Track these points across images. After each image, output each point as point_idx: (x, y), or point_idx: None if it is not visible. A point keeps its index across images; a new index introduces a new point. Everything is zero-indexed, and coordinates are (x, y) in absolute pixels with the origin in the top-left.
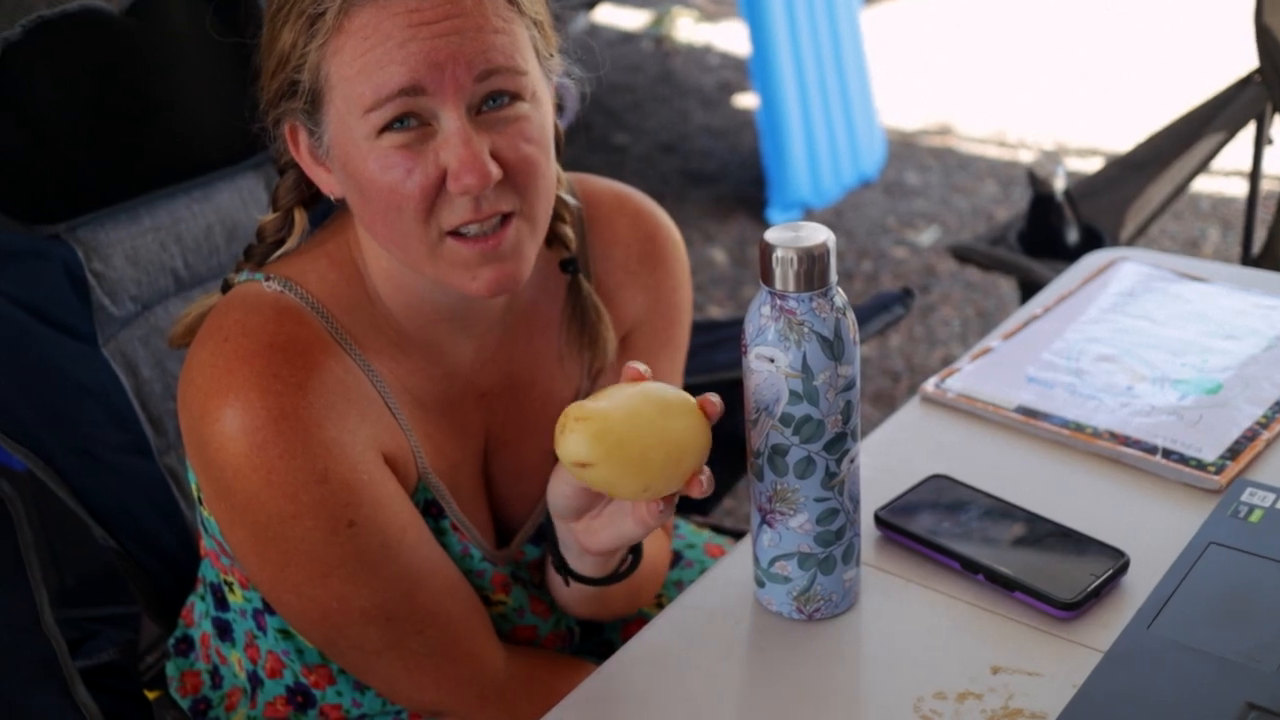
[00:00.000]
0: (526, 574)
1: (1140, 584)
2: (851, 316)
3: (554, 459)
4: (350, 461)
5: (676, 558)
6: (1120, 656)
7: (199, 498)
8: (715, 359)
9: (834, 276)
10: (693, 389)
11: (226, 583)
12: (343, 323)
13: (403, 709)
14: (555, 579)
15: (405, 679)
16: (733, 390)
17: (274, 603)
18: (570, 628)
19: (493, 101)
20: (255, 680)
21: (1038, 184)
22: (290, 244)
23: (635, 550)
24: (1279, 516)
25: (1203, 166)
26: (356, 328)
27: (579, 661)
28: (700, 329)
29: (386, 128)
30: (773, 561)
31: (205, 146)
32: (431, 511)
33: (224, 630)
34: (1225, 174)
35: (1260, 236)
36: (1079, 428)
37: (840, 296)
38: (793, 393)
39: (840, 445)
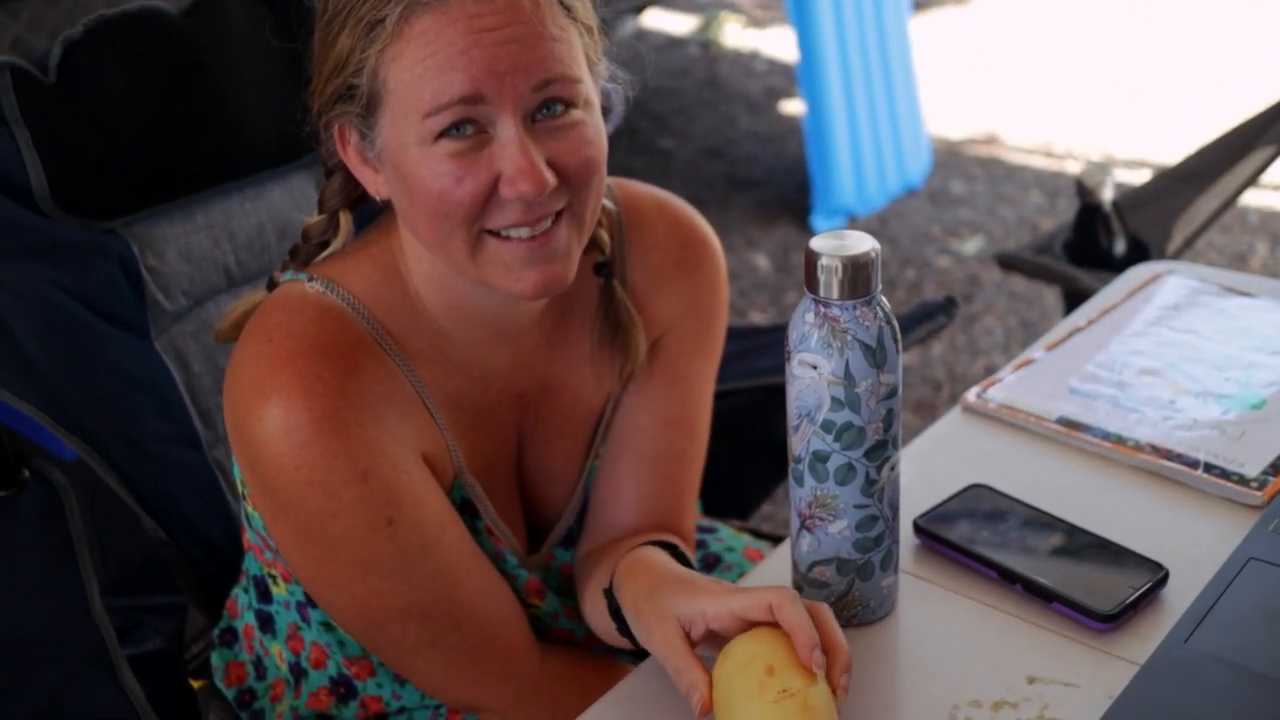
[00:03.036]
0: (558, 579)
1: (1179, 598)
2: (894, 325)
3: (582, 463)
4: (390, 461)
5: (715, 561)
6: (1157, 669)
7: (244, 493)
8: (758, 364)
9: (878, 285)
10: (734, 394)
11: (270, 576)
12: (384, 324)
13: (441, 704)
14: (593, 606)
15: (443, 675)
16: (773, 395)
17: (315, 597)
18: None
19: (547, 110)
20: (298, 671)
21: (1085, 194)
22: (335, 245)
23: None
24: None
25: (1252, 180)
26: (398, 329)
27: (615, 660)
28: (742, 335)
29: (444, 134)
30: (811, 567)
31: (257, 146)
32: (467, 511)
33: (266, 622)
34: (1275, 188)
35: None
36: (1120, 440)
37: (884, 304)
38: (835, 400)
39: (881, 452)
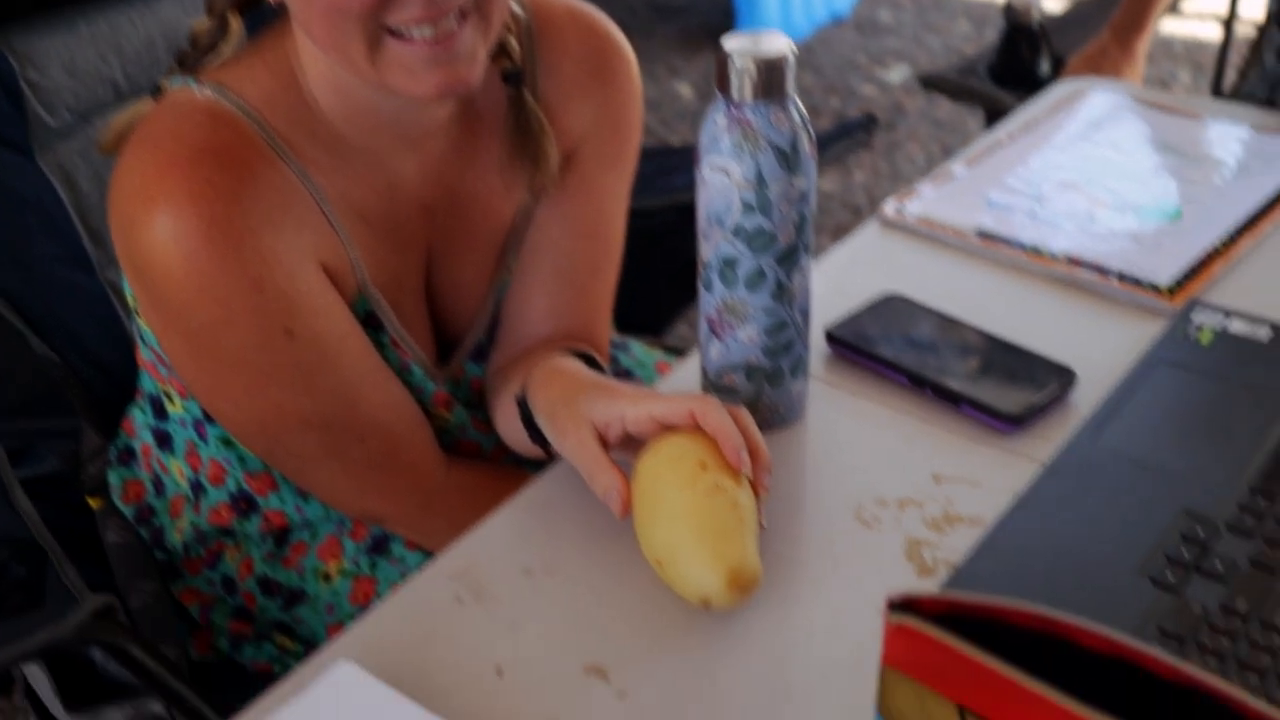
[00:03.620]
0: (467, 392)
1: (1088, 402)
2: (809, 130)
3: (493, 277)
4: (286, 270)
5: (626, 376)
6: (1062, 467)
7: (134, 308)
8: (673, 183)
9: (792, 87)
10: (649, 213)
11: (165, 393)
12: (279, 130)
13: (346, 517)
14: (504, 414)
15: (346, 487)
16: (688, 214)
17: (212, 411)
18: None
19: None
20: (197, 488)
21: (1015, 15)
22: (225, 51)
23: None
24: (1228, 338)
25: (1174, 3)
26: (294, 136)
27: (523, 472)
28: (658, 154)
29: None
30: (720, 373)
31: None
32: (371, 325)
33: (164, 440)
34: (1199, 17)
35: (1230, 79)
36: (1037, 251)
37: (798, 110)
38: (745, 204)
39: (792, 258)
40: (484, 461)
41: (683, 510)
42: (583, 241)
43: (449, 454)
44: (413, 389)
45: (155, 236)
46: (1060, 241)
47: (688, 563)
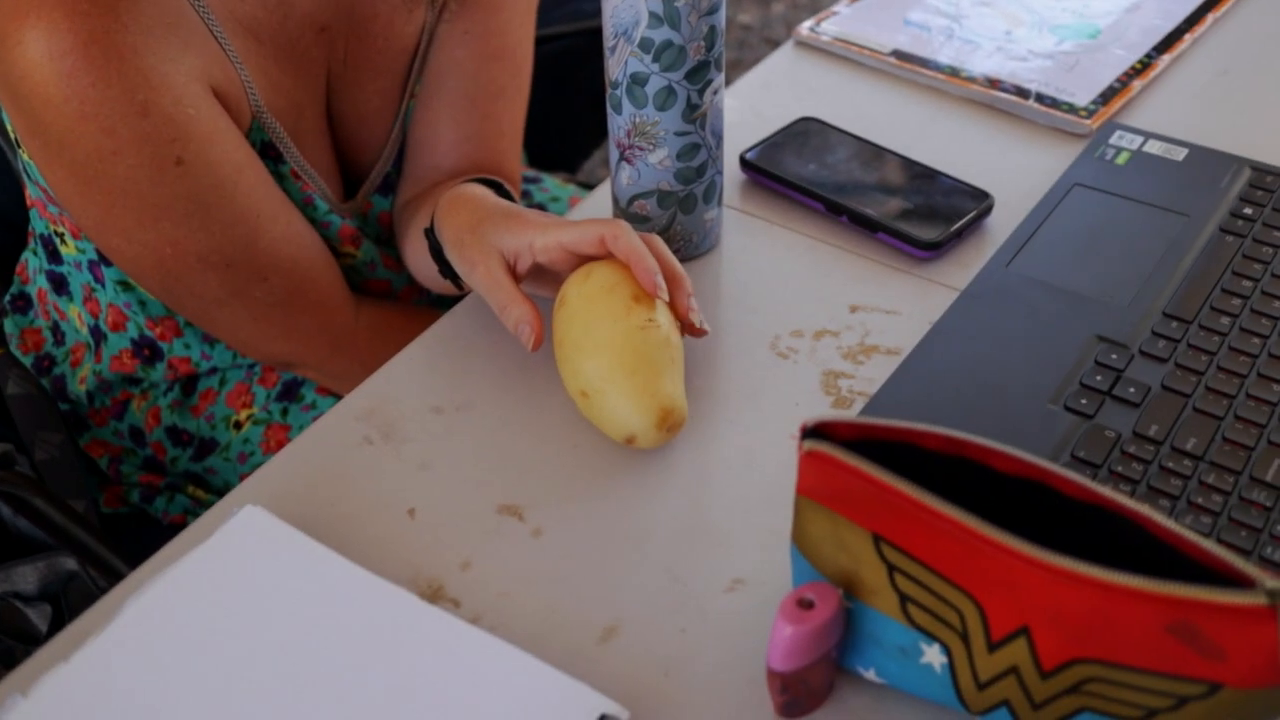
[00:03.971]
0: (375, 227)
1: (1004, 226)
2: None
3: (398, 104)
4: (174, 94)
5: (540, 210)
6: (977, 294)
7: (15, 139)
8: (583, 8)
9: None
10: (558, 38)
11: (57, 234)
12: None
13: (255, 362)
14: (413, 248)
15: (251, 329)
16: (600, 40)
17: (104, 249)
18: None
19: None
20: (98, 334)
21: None
22: None
23: None
24: (1145, 158)
25: None
26: None
27: (436, 312)
28: None
29: None
30: (631, 200)
31: None
32: (269, 155)
33: (59, 285)
34: None
35: None
36: (954, 72)
37: None
38: (653, 15)
39: (703, 75)
40: (395, 301)
41: (616, 342)
42: (488, 64)
43: (359, 294)
44: (317, 224)
45: (29, 56)
46: (978, 62)
47: (618, 397)
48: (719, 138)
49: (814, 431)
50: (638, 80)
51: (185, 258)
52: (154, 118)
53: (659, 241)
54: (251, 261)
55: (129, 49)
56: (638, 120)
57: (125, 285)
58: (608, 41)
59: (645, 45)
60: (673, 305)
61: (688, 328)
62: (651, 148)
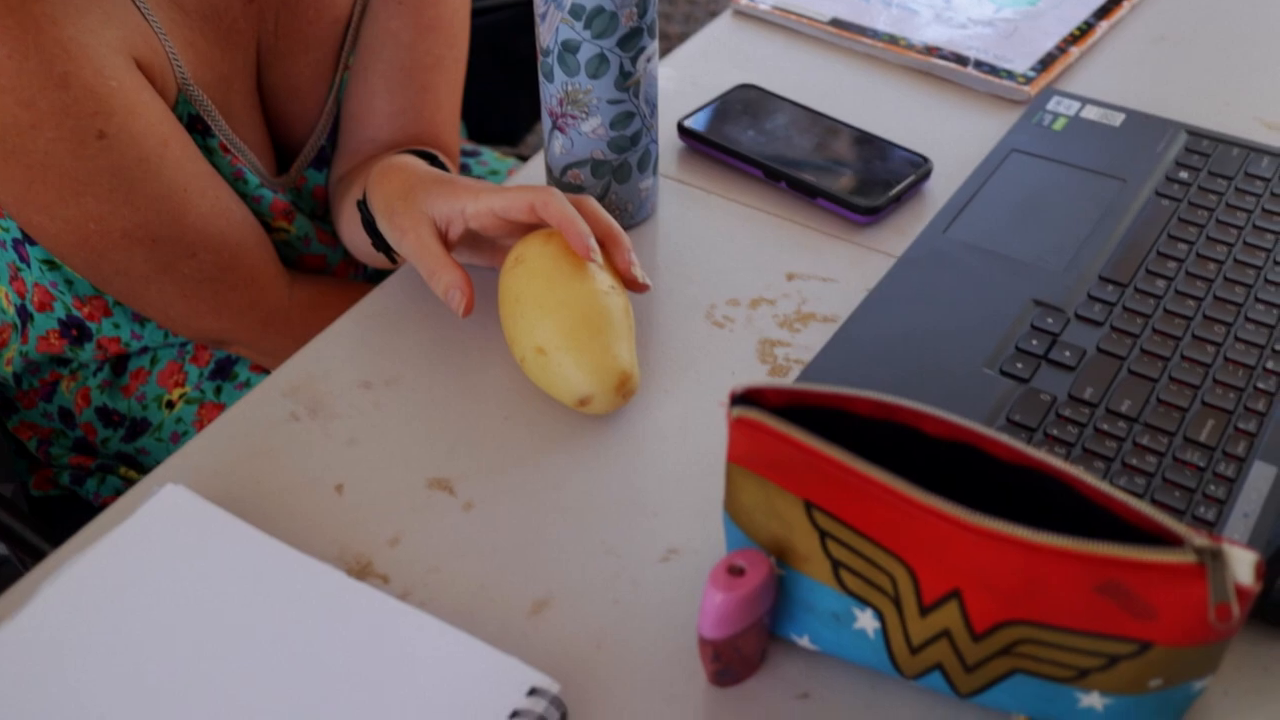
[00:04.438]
0: (310, 202)
1: (942, 193)
2: None
3: (332, 76)
4: (94, 65)
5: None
6: (914, 260)
7: None
8: None
9: None
10: (497, 9)
11: None
12: None
13: (187, 341)
14: (347, 221)
15: (181, 306)
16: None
17: (25, 226)
18: None
19: None
20: (24, 315)
21: None
22: None
23: None
24: (1082, 124)
25: None
26: None
27: (370, 287)
28: None
29: None
30: (565, 170)
31: None
32: (197, 129)
33: None
34: None
35: None
36: (893, 40)
37: None
38: None
39: (635, 41)
40: (330, 278)
41: (581, 303)
42: (424, 35)
43: (293, 270)
44: (248, 199)
45: None
46: (917, 30)
47: (580, 355)
48: (653, 106)
49: (743, 398)
50: (569, 48)
51: (110, 234)
52: (74, 89)
53: (592, 203)
54: (179, 237)
55: (46, 19)
56: (570, 88)
57: (51, 264)
58: (539, 8)
59: (576, 11)
60: (613, 262)
61: (629, 283)
62: (584, 116)
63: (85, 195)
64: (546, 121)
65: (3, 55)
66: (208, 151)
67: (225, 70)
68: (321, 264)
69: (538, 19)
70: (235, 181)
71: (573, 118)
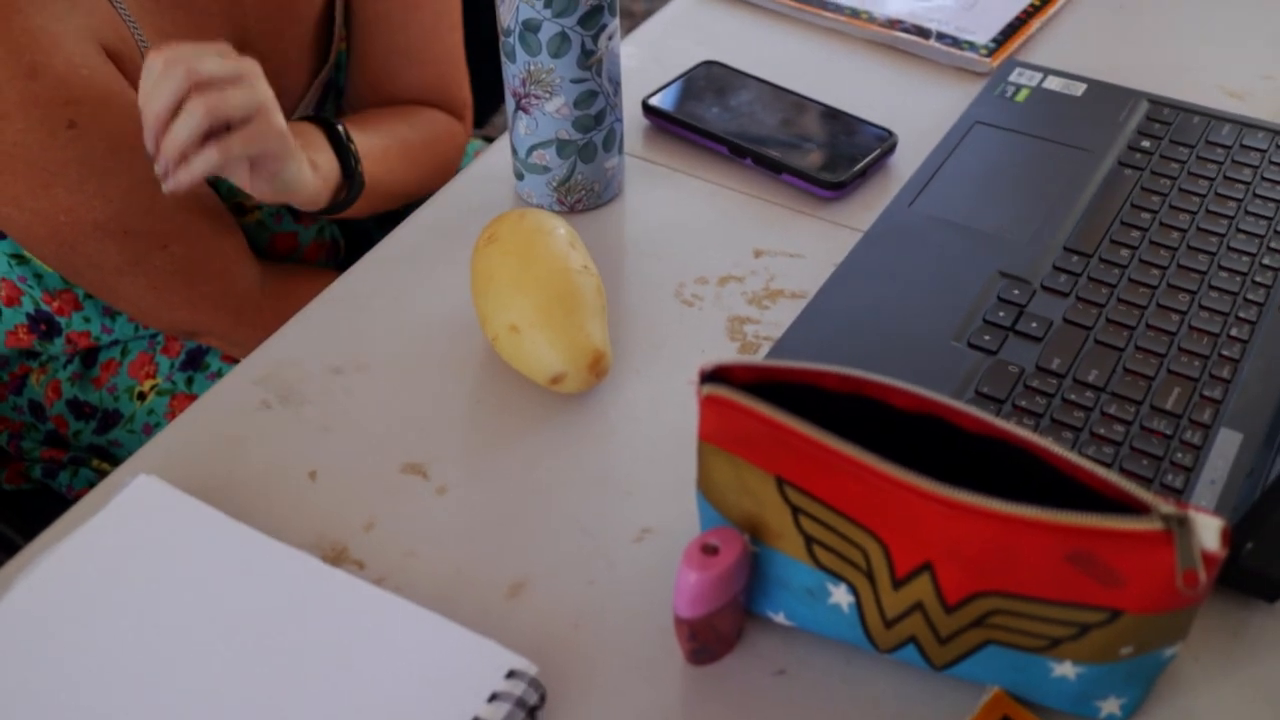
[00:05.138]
0: None
1: (907, 166)
2: None
3: (315, 53)
4: (64, 54)
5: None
6: (880, 234)
7: None
8: None
9: None
10: None
11: None
12: None
13: (158, 332)
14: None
15: (152, 299)
16: None
17: None
18: (334, 238)
19: None
20: None
21: None
22: None
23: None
24: (1044, 94)
25: None
26: None
27: (339, 275)
28: None
29: None
30: (530, 150)
31: None
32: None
33: None
34: None
35: None
36: (855, 14)
37: None
38: None
39: (596, 19)
40: (301, 267)
41: (555, 281)
42: (411, 10)
43: (264, 251)
44: (222, 177)
45: None
46: (880, 4)
47: (553, 333)
48: (616, 84)
49: (712, 376)
50: (530, 27)
51: (81, 225)
52: (44, 79)
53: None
54: (150, 230)
55: (13, 8)
56: (532, 68)
57: (20, 258)
58: None
59: None
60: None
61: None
62: (548, 96)
63: (55, 186)
64: (510, 102)
65: None
66: None
67: None
68: (293, 244)
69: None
70: None
71: (536, 98)
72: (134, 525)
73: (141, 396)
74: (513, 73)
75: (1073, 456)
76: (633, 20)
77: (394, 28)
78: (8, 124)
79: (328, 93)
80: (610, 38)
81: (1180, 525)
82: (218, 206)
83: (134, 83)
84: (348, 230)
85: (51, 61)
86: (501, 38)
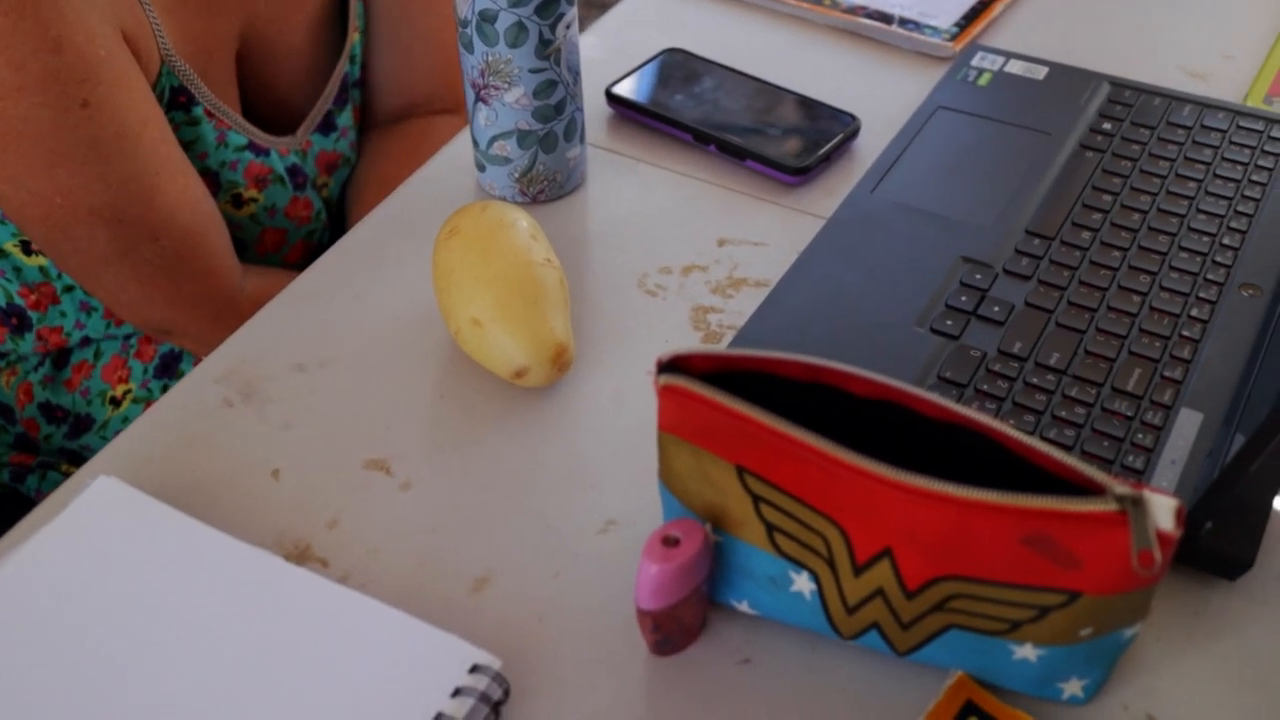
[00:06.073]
0: (313, 168)
1: (871, 152)
2: None
3: (327, 43)
4: (87, 32)
5: None
6: (842, 220)
7: None
8: None
9: None
10: None
11: None
12: None
13: (132, 332)
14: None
15: (134, 291)
16: None
17: None
18: (322, 241)
19: None
20: None
21: None
22: None
23: None
24: (1006, 79)
25: None
26: None
27: None
28: None
29: None
30: (491, 142)
31: None
32: (179, 103)
33: None
34: None
35: None
36: (817, 0)
37: None
38: None
39: (553, 9)
40: (284, 271)
41: (516, 274)
42: (417, 5)
43: (250, 247)
44: (226, 164)
45: None
46: None
47: (516, 327)
48: (576, 73)
49: (670, 366)
50: (487, 17)
51: (77, 209)
52: (66, 54)
53: None
54: (144, 219)
55: None
56: (490, 59)
57: None
58: None
59: None
60: None
61: None
62: (507, 86)
63: (58, 167)
64: (469, 93)
65: None
66: (192, 122)
67: (206, 43)
68: (280, 240)
69: None
70: (218, 148)
71: (495, 88)
72: (95, 527)
73: (115, 402)
74: (471, 64)
75: (1030, 440)
76: (594, 10)
77: (414, 13)
78: (23, 97)
79: (345, 86)
80: (568, 27)
81: (1135, 506)
82: (212, 208)
83: (147, 67)
84: (337, 232)
85: (75, 37)
86: (459, 29)
